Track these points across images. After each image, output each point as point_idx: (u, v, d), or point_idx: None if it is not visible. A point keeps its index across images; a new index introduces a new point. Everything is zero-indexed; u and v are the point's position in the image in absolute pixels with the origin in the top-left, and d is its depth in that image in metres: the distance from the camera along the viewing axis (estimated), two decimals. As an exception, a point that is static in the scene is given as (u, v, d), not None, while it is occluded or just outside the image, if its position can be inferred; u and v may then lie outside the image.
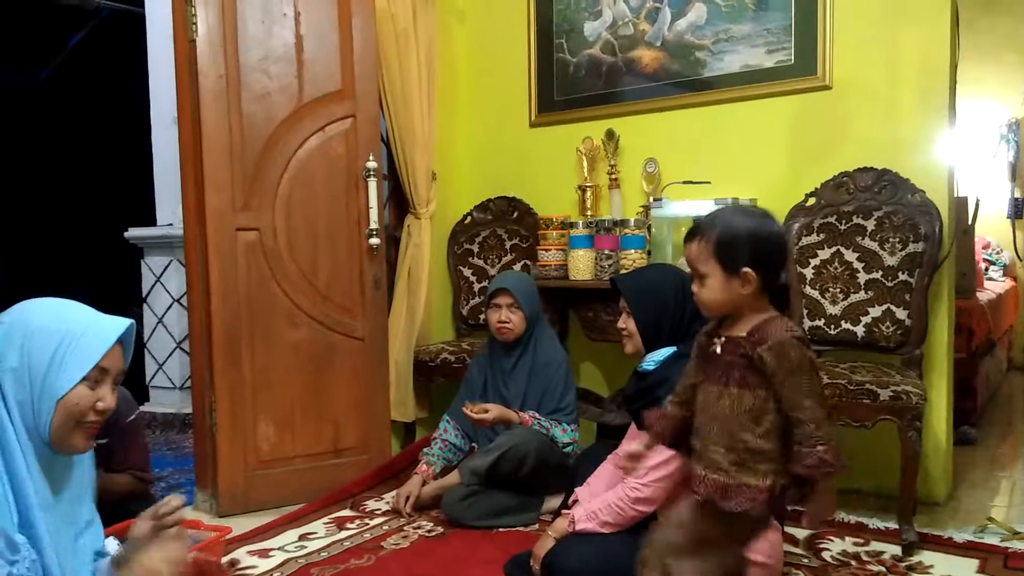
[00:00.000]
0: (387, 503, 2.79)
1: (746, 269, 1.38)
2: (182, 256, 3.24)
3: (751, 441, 1.39)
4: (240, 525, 2.57)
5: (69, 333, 1.30)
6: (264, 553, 2.37)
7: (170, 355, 4.13)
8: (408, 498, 2.68)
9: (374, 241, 2.97)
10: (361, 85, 2.95)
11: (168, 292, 4.13)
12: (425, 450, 2.82)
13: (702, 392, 1.47)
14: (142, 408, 2.75)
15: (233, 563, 2.29)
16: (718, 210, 1.51)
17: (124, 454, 2.22)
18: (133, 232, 4.21)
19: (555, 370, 2.73)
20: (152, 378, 4.20)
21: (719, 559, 1.46)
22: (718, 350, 1.44)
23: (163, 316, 4.14)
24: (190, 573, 1.89)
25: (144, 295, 4.22)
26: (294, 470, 2.86)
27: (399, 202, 3.48)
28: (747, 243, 1.39)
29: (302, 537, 2.50)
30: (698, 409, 1.48)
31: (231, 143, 2.75)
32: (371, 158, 2.94)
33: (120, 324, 1.37)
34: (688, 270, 1.53)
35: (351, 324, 2.97)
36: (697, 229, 1.44)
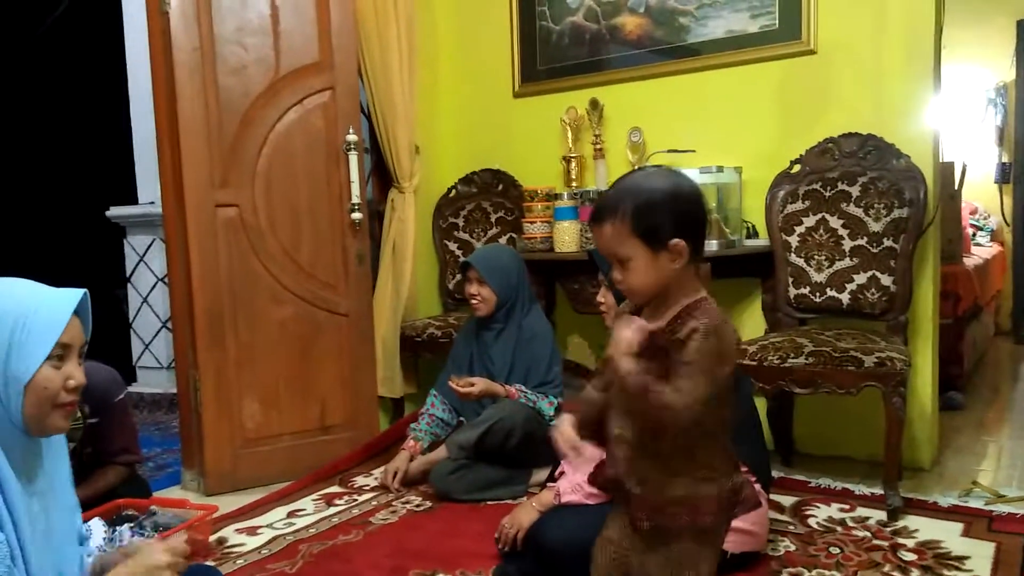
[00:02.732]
0: (376, 479, 2.78)
1: (674, 240, 1.17)
2: (163, 234, 3.20)
3: (673, 447, 1.19)
4: (228, 504, 2.57)
5: (21, 315, 1.26)
6: (252, 531, 2.36)
7: (156, 335, 4.10)
8: (396, 473, 2.68)
9: (357, 216, 2.94)
10: (339, 57, 2.90)
11: (152, 271, 4.09)
12: (412, 425, 2.82)
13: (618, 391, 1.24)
14: (129, 389, 2.73)
15: (221, 541, 2.29)
16: (623, 180, 1.26)
17: (113, 434, 2.20)
18: (115, 211, 4.16)
19: (540, 343, 2.72)
20: (139, 358, 4.17)
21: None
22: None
23: (148, 295, 4.10)
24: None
25: (128, 275, 4.18)
26: (281, 448, 2.85)
27: (382, 176, 3.44)
28: (668, 209, 1.18)
29: (290, 514, 2.50)
30: (616, 408, 1.25)
31: (208, 118, 2.71)
32: (351, 131, 2.90)
33: (73, 296, 1.33)
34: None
35: (335, 300, 2.95)
36: (604, 209, 1.20)
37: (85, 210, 4.38)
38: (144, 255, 4.12)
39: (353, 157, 2.90)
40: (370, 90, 3.20)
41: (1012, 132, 5.42)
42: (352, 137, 2.90)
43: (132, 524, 1.86)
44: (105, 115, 4.45)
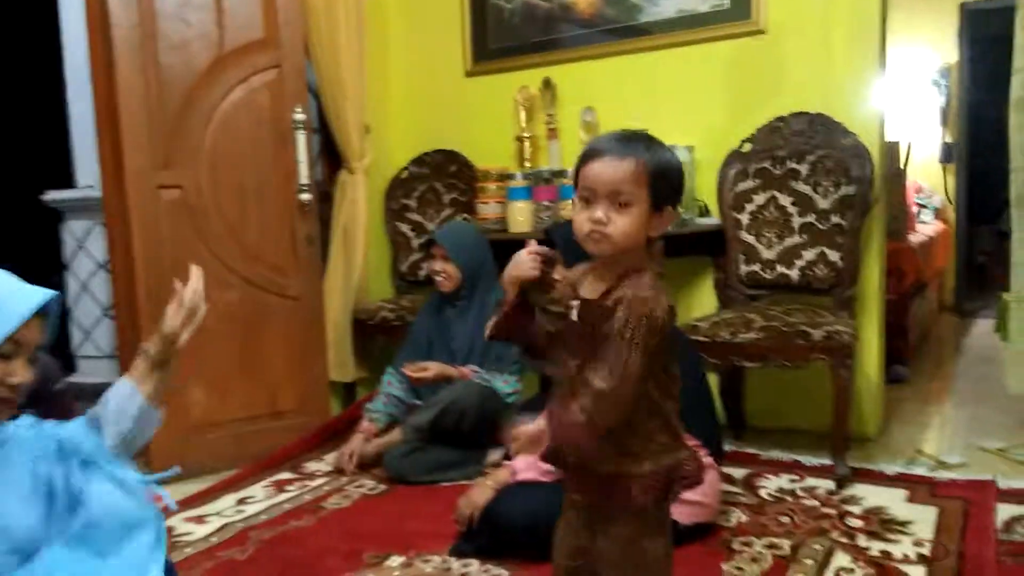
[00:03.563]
0: (328, 464, 2.75)
1: (668, 207, 1.18)
2: (103, 218, 3.10)
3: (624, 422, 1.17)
4: (174, 493, 2.48)
5: None
6: (200, 519, 2.31)
7: (97, 323, 3.98)
8: (351, 455, 2.64)
9: (305, 197, 2.88)
10: (286, 33, 2.83)
11: (92, 257, 3.96)
12: (368, 406, 2.79)
13: (558, 355, 1.23)
14: (70, 379, 2.65)
15: (168, 530, 2.22)
16: (631, 132, 1.21)
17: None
18: (51, 195, 4.02)
19: None
20: (79, 348, 4.05)
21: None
22: (574, 316, 1.20)
23: (87, 283, 3.98)
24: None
25: (66, 262, 4.05)
26: (230, 434, 2.80)
27: (331, 157, 3.38)
28: (677, 179, 1.20)
29: (240, 501, 2.45)
30: (560, 382, 1.23)
31: (148, 96, 2.62)
32: (299, 110, 2.83)
33: (37, 296, 1.29)
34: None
35: (284, 283, 2.89)
36: (633, 146, 1.16)
37: (19, 195, 4.22)
38: (83, 241, 3.99)
39: (301, 137, 2.84)
40: (318, 68, 3.14)
41: (955, 113, 5.56)
42: (300, 116, 2.83)
43: (74, 514, 1.80)
44: (40, 94, 4.28)
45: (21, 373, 1.28)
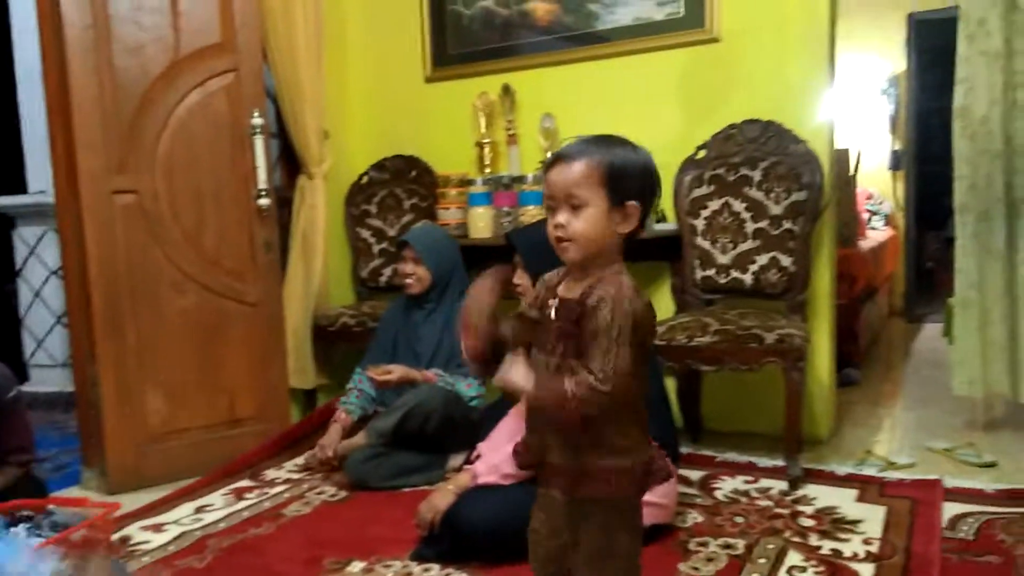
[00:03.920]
0: (288, 471, 2.73)
1: (632, 203, 1.19)
2: (56, 224, 3.05)
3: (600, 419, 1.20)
4: (132, 502, 2.48)
5: None
6: (158, 528, 2.29)
7: (50, 331, 3.90)
8: (331, 448, 2.64)
9: (264, 202, 2.86)
10: (243, 37, 2.81)
11: (44, 264, 3.89)
12: (343, 399, 2.79)
13: (533, 355, 1.25)
14: (23, 388, 2.60)
15: (125, 539, 2.21)
16: (596, 136, 1.24)
17: (4, 433, 2.11)
18: (2, 201, 3.94)
19: None
20: (31, 356, 3.96)
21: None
22: (552, 314, 1.23)
23: (40, 290, 3.90)
24: (78, 552, 1.81)
25: (17, 269, 3.96)
26: (188, 443, 2.76)
27: (290, 162, 3.35)
28: (639, 174, 1.21)
29: (198, 510, 2.42)
30: (535, 377, 1.23)
31: (103, 100, 2.59)
32: (256, 114, 2.82)
33: None
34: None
35: (242, 289, 2.87)
36: (580, 150, 1.20)
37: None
38: (35, 247, 3.91)
39: (259, 141, 2.82)
40: (276, 72, 3.12)
41: (904, 121, 5.72)
42: (258, 120, 2.82)
43: (29, 524, 1.78)
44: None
45: None
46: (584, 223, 1.18)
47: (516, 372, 1.21)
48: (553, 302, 1.23)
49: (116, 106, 2.62)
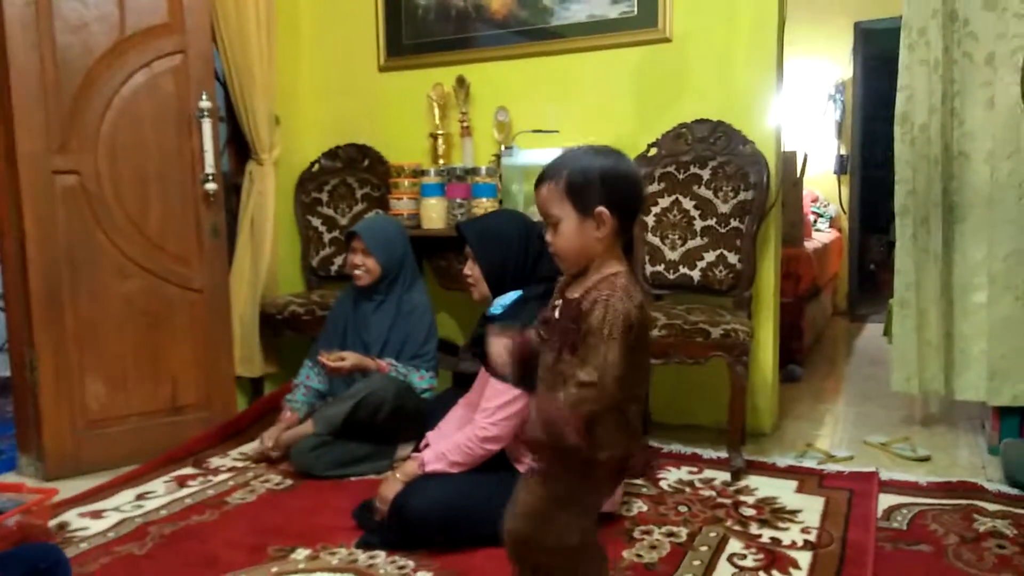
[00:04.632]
0: (233, 459, 2.70)
1: (600, 208, 1.25)
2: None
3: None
4: (70, 488, 2.41)
5: None
6: (97, 514, 2.24)
7: (-15, 315, 3.77)
8: (271, 440, 2.62)
9: (210, 186, 2.81)
10: (191, 18, 2.75)
11: (-19, 246, 3.75)
12: (288, 397, 2.76)
13: (542, 356, 1.32)
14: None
15: (63, 526, 2.15)
16: (568, 150, 1.35)
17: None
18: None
19: (418, 317, 2.71)
20: (-34, 340, 3.83)
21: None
22: (556, 314, 1.30)
23: (-24, 272, 3.77)
24: (13, 538, 1.76)
25: (-48, 249, 3.82)
26: (129, 429, 2.70)
27: (239, 147, 3.30)
28: (600, 181, 1.26)
29: (139, 497, 2.38)
30: (539, 374, 1.33)
31: (44, 78, 2.51)
32: (204, 97, 2.76)
33: None
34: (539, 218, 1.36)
35: (187, 275, 2.81)
36: (547, 172, 1.30)
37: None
38: (-28, 228, 3.77)
39: (207, 125, 2.77)
40: (225, 56, 3.07)
41: (850, 126, 5.87)
42: (205, 104, 2.76)
43: (-38, 511, 1.73)
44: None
45: None
46: (561, 238, 1.28)
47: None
48: (559, 303, 1.31)
49: (58, 85, 2.54)
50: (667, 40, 2.95)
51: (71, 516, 2.22)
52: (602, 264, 1.28)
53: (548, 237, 1.30)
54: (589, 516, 1.34)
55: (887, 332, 3.11)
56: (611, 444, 1.25)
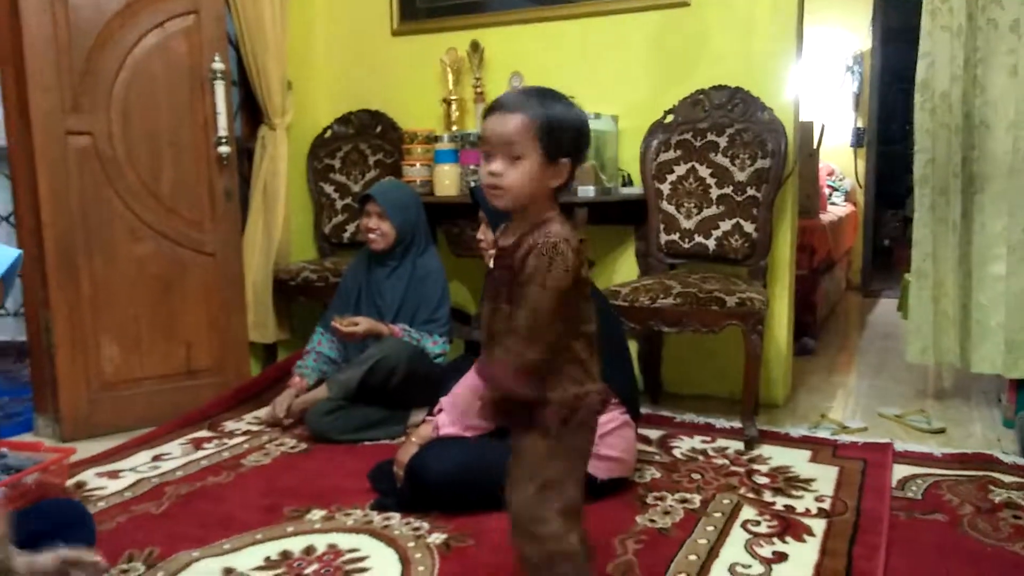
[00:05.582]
0: (248, 423, 2.71)
1: (565, 159, 1.23)
2: (7, 170, 2.94)
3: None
4: (87, 449, 2.44)
5: None
6: (114, 474, 2.26)
7: (0, 279, 3.79)
8: (282, 407, 2.63)
9: (224, 150, 2.79)
10: (204, -22, 2.73)
11: (-6, 210, 3.77)
12: (299, 363, 2.77)
13: (481, 312, 1.30)
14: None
15: (80, 485, 2.17)
16: (532, 88, 1.27)
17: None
18: (-51, 144, 3.79)
19: (432, 283, 2.71)
20: (-19, 304, 3.85)
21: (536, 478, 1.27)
22: (491, 264, 1.29)
23: (-10, 236, 3.78)
24: (32, 496, 1.78)
25: (-35, 214, 3.83)
26: (143, 392, 2.72)
27: (252, 112, 3.28)
28: (573, 132, 1.24)
29: (155, 458, 2.40)
30: (481, 331, 1.32)
31: (56, 37, 2.50)
32: (217, 59, 2.74)
33: (6, 257, 1.21)
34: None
35: (200, 239, 2.81)
36: (519, 102, 1.22)
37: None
38: (-16, 192, 3.78)
39: (220, 87, 2.75)
40: (238, 18, 3.03)
41: (867, 99, 5.79)
42: (219, 65, 2.74)
43: (-19, 467, 1.74)
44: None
45: None
46: (519, 174, 1.21)
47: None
48: (492, 252, 1.28)
49: (70, 44, 2.53)
50: (686, 4, 2.90)
51: (88, 476, 2.24)
52: (538, 210, 1.24)
53: (496, 167, 1.21)
54: (574, 478, 1.29)
55: (901, 307, 3.09)
56: (565, 383, 1.24)
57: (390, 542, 1.82)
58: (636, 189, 2.96)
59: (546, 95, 1.25)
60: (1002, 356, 2.65)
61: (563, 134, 1.22)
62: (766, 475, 2.21)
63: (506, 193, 1.22)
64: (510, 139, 1.20)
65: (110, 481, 2.21)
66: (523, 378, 1.19)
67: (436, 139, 3.11)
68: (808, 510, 1.98)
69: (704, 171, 2.80)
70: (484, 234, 2.17)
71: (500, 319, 1.24)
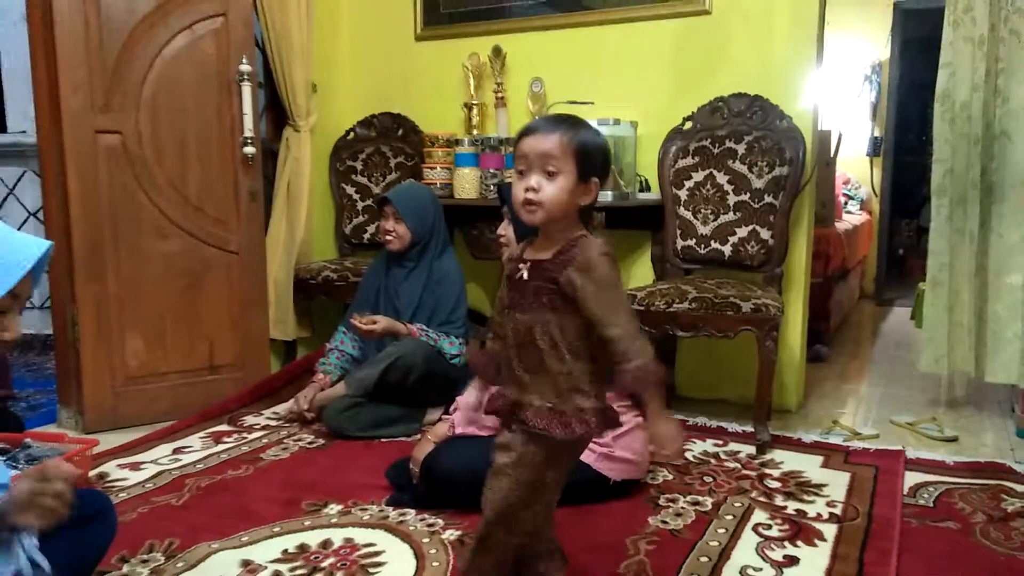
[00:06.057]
0: (267, 418, 2.76)
1: (595, 179, 1.33)
2: (36, 166, 3.01)
3: (566, 368, 1.30)
4: (109, 441, 2.49)
5: None
6: (136, 466, 2.30)
7: (27, 273, 3.86)
8: (306, 401, 2.67)
9: (249, 150, 2.85)
10: (232, -19, 2.78)
11: (22, 205, 3.84)
12: (322, 360, 2.81)
13: (511, 321, 1.35)
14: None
15: (102, 476, 2.22)
16: (561, 115, 1.38)
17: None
18: (-20, 140, 3.87)
19: (449, 284, 2.75)
20: (7, 298, 3.92)
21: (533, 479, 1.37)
22: (525, 276, 1.34)
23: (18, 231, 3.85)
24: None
25: (-5, 209, 3.91)
26: (166, 386, 2.77)
27: (277, 113, 3.33)
28: (601, 154, 1.35)
29: (176, 451, 2.44)
30: (510, 338, 1.36)
31: (88, 37, 2.56)
32: (244, 61, 2.79)
33: (38, 248, 1.24)
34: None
35: (225, 237, 2.86)
36: (556, 123, 1.32)
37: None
38: (13, 188, 3.86)
39: (246, 88, 2.80)
40: (265, 21, 3.08)
41: (885, 108, 5.78)
42: (245, 67, 2.79)
43: (5, 457, 1.78)
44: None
45: (13, 328, 1.24)
46: (555, 188, 1.29)
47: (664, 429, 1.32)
48: (524, 266, 1.35)
49: (101, 45, 2.58)
50: (706, 12, 2.93)
51: (110, 467, 2.29)
52: (569, 226, 1.34)
53: (533, 182, 1.29)
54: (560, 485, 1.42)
55: (915, 316, 3.09)
56: (601, 393, 1.34)
57: (405, 537, 1.85)
58: (654, 194, 2.99)
59: (575, 121, 1.36)
60: (1018, 366, 2.66)
61: (593, 155, 1.32)
62: (778, 479, 2.23)
63: (541, 208, 1.30)
64: (549, 153, 1.29)
65: (132, 472, 2.25)
66: (660, 370, 1.27)
67: (457, 143, 3.15)
68: (820, 515, 1.99)
69: (722, 178, 2.83)
70: (505, 230, 2.20)
71: (539, 331, 1.30)
